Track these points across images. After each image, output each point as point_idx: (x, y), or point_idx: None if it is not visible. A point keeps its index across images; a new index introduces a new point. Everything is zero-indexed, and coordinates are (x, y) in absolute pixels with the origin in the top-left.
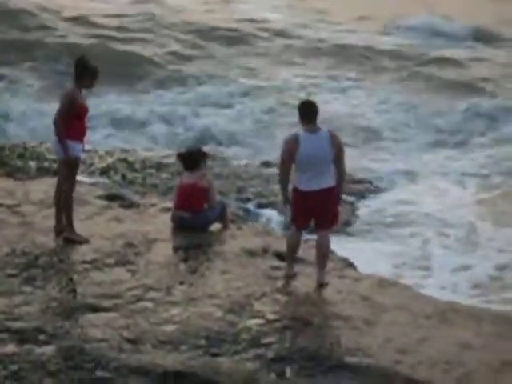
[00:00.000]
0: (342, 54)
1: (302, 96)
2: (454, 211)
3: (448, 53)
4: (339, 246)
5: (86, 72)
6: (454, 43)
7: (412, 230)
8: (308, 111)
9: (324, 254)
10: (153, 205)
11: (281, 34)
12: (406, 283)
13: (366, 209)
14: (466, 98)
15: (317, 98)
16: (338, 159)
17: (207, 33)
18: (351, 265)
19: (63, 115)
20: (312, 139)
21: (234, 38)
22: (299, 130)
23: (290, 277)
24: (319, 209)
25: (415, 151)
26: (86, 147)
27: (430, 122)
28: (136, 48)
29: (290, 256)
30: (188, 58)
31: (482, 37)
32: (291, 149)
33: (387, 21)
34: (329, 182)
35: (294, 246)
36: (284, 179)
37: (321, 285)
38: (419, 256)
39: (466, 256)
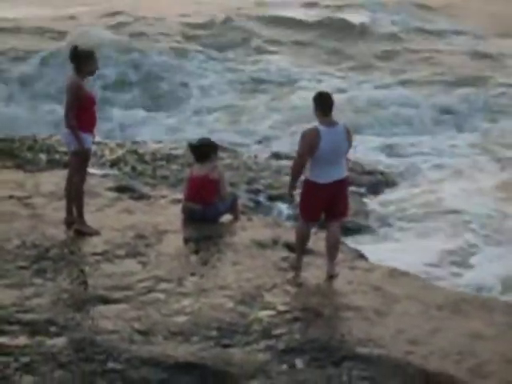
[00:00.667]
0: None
1: None
2: (474, 199)
3: None
4: (370, 247)
5: (82, 59)
6: None
7: (435, 223)
8: (325, 104)
9: (334, 245)
10: (163, 196)
11: None
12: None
13: (385, 202)
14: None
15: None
16: (348, 152)
17: None
18: (362, 256)
19: (72, 107)
20: (332, 134)
21: None
22: (317, 123)
23: (297, 269)
24: (333, 200)
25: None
26: (97, 139)
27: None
28: None
29: (299, 248)
30: None
31: None
32: (313, 143)
33: None
34: (343, 173)
35: (303, 238)
36: (299, 171)
37: (331, 276)
38: (451, 251)
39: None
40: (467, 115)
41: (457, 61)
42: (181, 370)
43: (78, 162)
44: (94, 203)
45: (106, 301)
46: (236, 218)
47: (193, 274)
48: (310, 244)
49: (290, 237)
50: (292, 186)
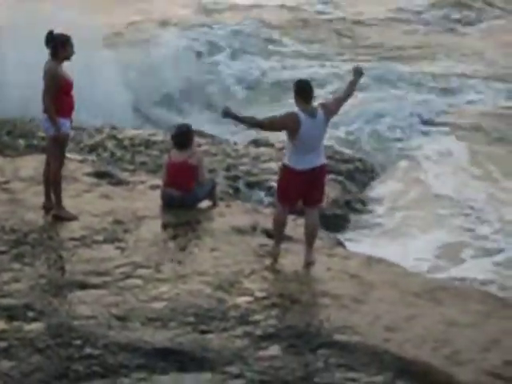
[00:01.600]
0: None
1: None
2: (460, 184)
3: None
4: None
5: (59, 44)
6: None
7: (421, 211)
8: (305, 92)
9: (312, 232)
10: (142, 182)
11: None
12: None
13: (365, 189)
14: None
15: None
16: (335, 102)
17: None
18: (340, 243)
19: (49, 92)
20: (312, 123)
21: None
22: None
23: (275, 255)
24: (310, 187)
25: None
26: (75, 124)
27: None
28: None
29: (276, 234)
30: None
31: None
32: (290, 126)
33: None
34: (322, 159)
35: (280, 225)
36: (252, 123)
37: (309, 263)
38: (439, 243)
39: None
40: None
41: None
42: (158, 356)
43: (56, 147)
44: (72, 188)
45: (83, 286)
46: (214, 204)
47: (171, 260)
48: (289, 231)
49: (269, 223)
50: (236, 118)
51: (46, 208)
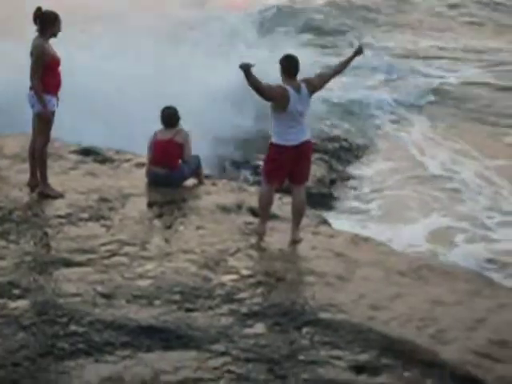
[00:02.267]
0: None
1: None
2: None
3: None
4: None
5: (47, 21)
6: None
7: (412, 191)
8: (292, 66)
9: (300, 211)
10: (127, 160)
11: None
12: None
13: (351, 168)
14: None
15: None
16: (323, 75)
17: None
18: (325, 221)
19: (37, 69)
20: (298, 98)
21: None
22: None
23: (261, 234)
24: (298, 163)
25: None
26: None
27: None
28: None
29: (262, 213)
30: None
31: None
32: (282, 98)
33: None
34: (307, 134)
35: (266, 203)
36: (257, 87)
37: (295, 241)
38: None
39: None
40: None
41: None
42: (143, 334)
43: (42, 124)
44: (57, 166)
45: (69, 264)
46: (200, 182)
47: (156, 238)
48: (274, 209)
49: (255, 202)
50: (248, 73)
51: (31, 185)
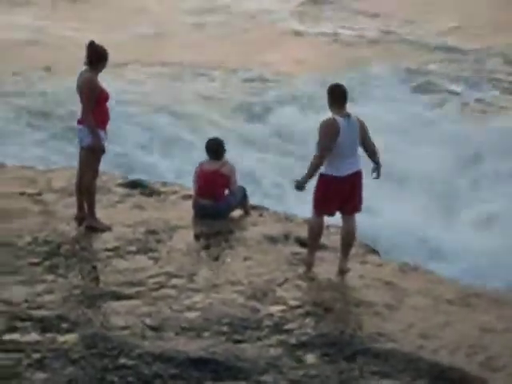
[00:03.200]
0: None
1: None
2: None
3: None
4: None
5: (101, 56)
6: None
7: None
8: (341, 96)
9: (349, 242)
10: (174, 192)
11: None
12: (428, 268)
13: None
14: None
15: None
16: (368, 139)
17: None
18: (373, 250)
19: (89, 103)
20: (348, 125)
21: None
22: (332, 115)
23: (309, 265)
24: (350, 193)
25: None
26: None
27: None
28: None
29: (312, 243)
30: None
31: None
32: (334, 134)
33: None
34: (359, 165)
35: (316, 233)
36: (320, 164)
37: (343, 271)
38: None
39: None
40: None
41: None
42: (193, 366)
43: (92, 158)
44: (105, 199)
45: (117, 297)
46: (247, 213)
47: (204, 270)
48: (322, 239)
49: (302, 232)
50: (307, 180)
51: (79, 219)
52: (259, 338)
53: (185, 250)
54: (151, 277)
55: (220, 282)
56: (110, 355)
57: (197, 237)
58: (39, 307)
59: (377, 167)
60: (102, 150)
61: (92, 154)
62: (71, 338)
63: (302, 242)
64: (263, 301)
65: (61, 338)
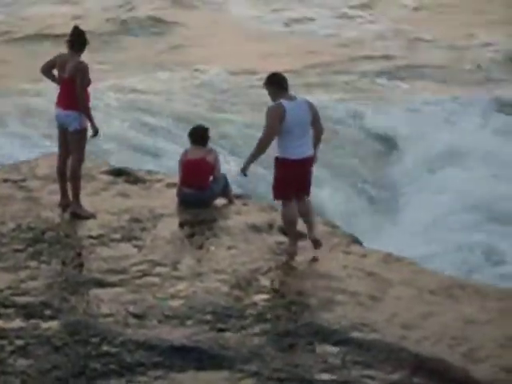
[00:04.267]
0: None
1: None
2: None
3: None
4: None
5: (85, 41)
6: None
7: None
8: (283, 82)
9: (308, 213)
10: (159, 180)
11: None
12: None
13: None
14: None
15: None
16: (317, 121)
17: None
18: (357, 240)
19: (84, 88)
20: (295, 106)
21: None
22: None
23: (292, 254)
24: (306, 176)
25: None
26: None
27: None
28: None
29: (290, 232)
30: None
31: None
32: (280, 114)
33: None
34: (312, 148)
35: (293, 220)
36: (266, 147)
37: (316, 241)
38: None
39: None
40: None
41: None
42: (176, 354)
43: (80, 142)
44: (89, 186)
45: (101, 284)
46: (231, 201)
47: (188, 258)
48: (304, 228)
49: None
50: (251, 162)
51: (63, 205)
52: (243, 327)
53: (169, 239)
54: (135, 265)
55: (204, 270)
56: (92, 342)
57: (181, 225)
58: (23, 294)
59: (314, 153)
60: (86, 134)
61: (80, 138)
62: (54, 324)
63: (285, 232)
64: (247, 290)
65: (44, 325)
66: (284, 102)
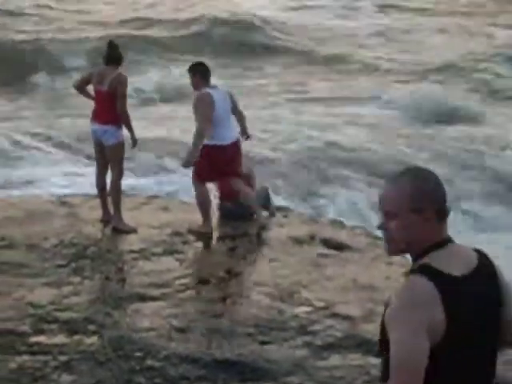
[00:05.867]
0: None
1: None
2: None
3: None
4: None
5: (121, 56)
6: None
7: None
8: (207, 71)
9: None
10: None
11: None
12: None
13: None
14: None
15: None
16: (237, 107)
17: None
18: None
19: (125, 100)
20: (219, 95)
21: None
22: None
23: (208, 233)
24: (233, 159)
25: None
26: None
27: None
28: None
29: (207, 213)
30: None
31: None
32: (211, 104)
33: None
34: (237, 133)
35: (207, 201)
36: (204, 136)
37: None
38: None
39: None
40: None
41: None
42: (219, 367)
43: (119, 156)
44: (129, 201)
45: (143, 298)
46: (272, 214)
47: (229, 271)
48: (346, 239)
49: (327, 233)
50: (194, 154)
51: (104, 221)
52: (285, 340)
53: (210, 252)
54: (177, 278)
55: (245, 283)
56: (136, 357)
57: (222, 238)
58: (66, 309)
59: (246, 132)
60: (135, 142)
61: (119, 152)
62: (98, 340)
63: (327, 243)
64: (289, 302)
65: (87, 340)
66: (210, 90)
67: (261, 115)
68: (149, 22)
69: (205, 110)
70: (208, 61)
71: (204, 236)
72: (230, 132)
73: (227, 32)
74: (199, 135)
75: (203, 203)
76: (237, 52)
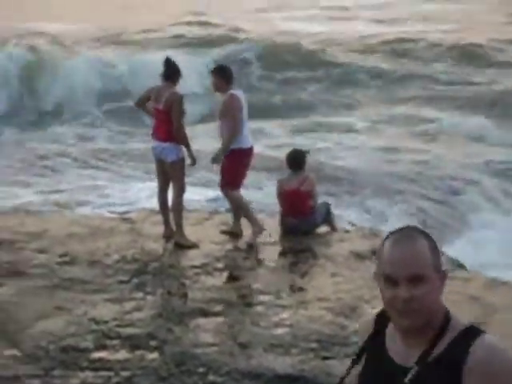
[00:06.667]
0: None
1: None
2: None
3: None
4: None
5: (180, 72)
6: None
7: None
8: (231, 74)
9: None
10: (261, 210)
11: None
12: None
13: None
14: None
15: None
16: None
17: None
18: (461, 265)
19: (181, 119)
20: (243, 97)
21: None
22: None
23: (261, 232)
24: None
25: None
26: None
27: None
28: None
29: (251, 213)
30: None
31: None
32: (241, 107)
33: None
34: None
35: (247, 202)
36: (234, 137)
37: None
38: None
39: None
40: None
41: None
42: (281, 382)
43: (180, 173)
44: (192, 217)
45: (205, 314)
46: (333, 229)
47: (291, 286)
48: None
49: None
50: (224, 153)
51: (166, 236)
52: (347, 355)
53: (272, 267)
54: (239, 293)
55: (308, 298)
56: (198, 373)
57: (284, 253)
58: (128, 325)
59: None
60: (194, 161)
61: (179, 169)
62: (160, 355)
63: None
64: (351, 317)
65: (150, 356)
66: (238, 92)
67: None
68: None
69: (237, 112)
70: None
71: (265, 244)
72: (249, 136)
73: None
74: (233, 136)
75: (243, 204)
76: None
